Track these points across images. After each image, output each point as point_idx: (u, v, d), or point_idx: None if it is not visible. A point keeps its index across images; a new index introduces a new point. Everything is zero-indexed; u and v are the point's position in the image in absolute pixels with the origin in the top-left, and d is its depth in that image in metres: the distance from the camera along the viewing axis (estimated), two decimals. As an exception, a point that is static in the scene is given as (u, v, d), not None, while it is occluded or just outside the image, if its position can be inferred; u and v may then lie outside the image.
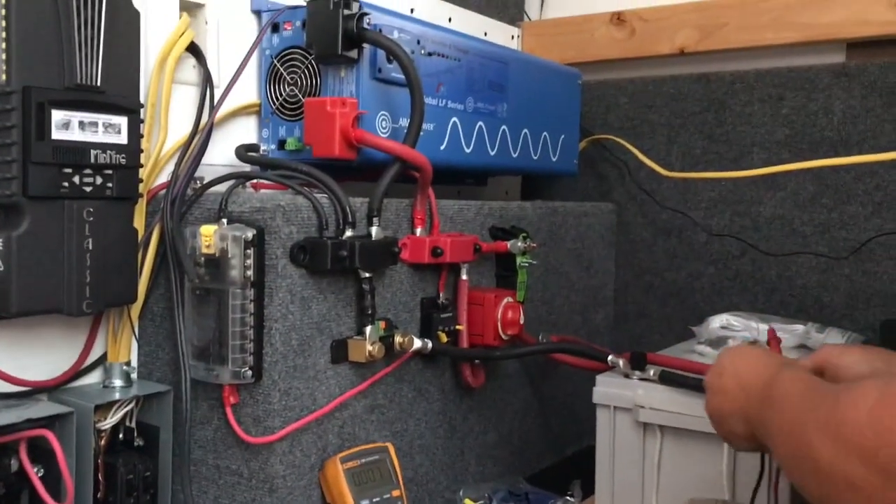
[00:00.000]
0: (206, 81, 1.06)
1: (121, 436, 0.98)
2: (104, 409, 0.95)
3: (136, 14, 0.92)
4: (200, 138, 1.02)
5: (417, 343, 1.07)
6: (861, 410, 0.55)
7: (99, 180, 0.88)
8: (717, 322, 1.36)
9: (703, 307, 1.56)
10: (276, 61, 1.12)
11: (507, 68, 1.33)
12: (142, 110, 0.94)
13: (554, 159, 1.47)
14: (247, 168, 1.08)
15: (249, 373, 0.92)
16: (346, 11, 1.02)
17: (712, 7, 1.57)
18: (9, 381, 0.90)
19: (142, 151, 0.93)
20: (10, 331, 0.90)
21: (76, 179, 0.86)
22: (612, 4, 1.68)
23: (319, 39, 1.04)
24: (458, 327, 1.16)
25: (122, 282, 0.93)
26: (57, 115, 0.84)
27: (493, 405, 1.29)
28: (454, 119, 1.21)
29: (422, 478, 1.15)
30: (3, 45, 0.81)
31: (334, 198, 0.98)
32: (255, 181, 1.05)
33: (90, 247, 0.88)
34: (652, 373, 1.14)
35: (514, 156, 1.36)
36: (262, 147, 1.12)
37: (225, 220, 0.93)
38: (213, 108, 1.05)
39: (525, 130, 1.38)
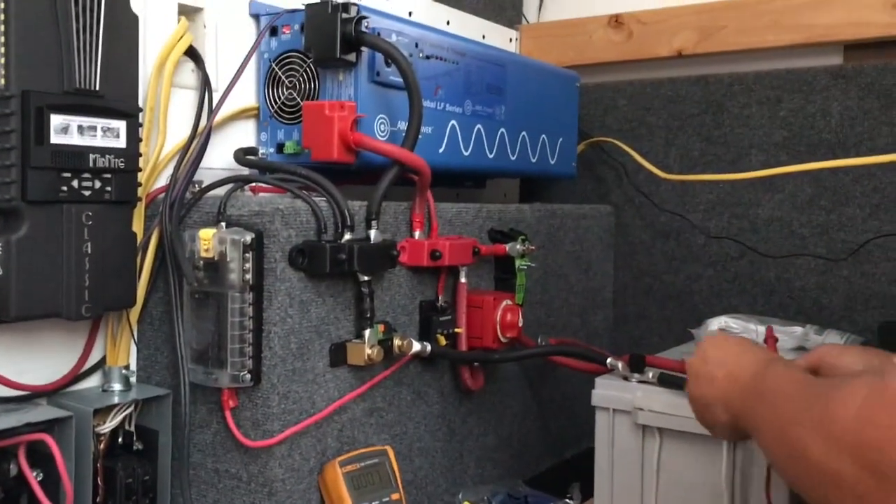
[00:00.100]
0: (205, 85, 1.06)
1: (120, 439, 0.98)
2: (103, 412, 0.95)
3: (135, 18, 0.92)
4: (199, 142, 1.02)
5: (416, 346, 1.07)
6: (850, 408, 0.55)
7: (98, 184, 0.88)
8: (716, 324, 1.36)
9: (701, 309, 1.56)
10: (274, 65, 1.12)
11: (505, 71, 1.33)
12: (140, 114, 0.94)
13: (552, 162, 1.47)
14: (245, 172, 1.08)
15: (248, 376, 0.92)
16: (345, 15, 1.02)
17: (710, 9, 1.57)
18: (8, 386, 0.90)
19: (140, 155, 0.94)
20: (9, 335, 0.90)
21: (75, 183, 0.86)
22: (610, 7, 1.68)
23: (318, 43, 1.04)
24: (456, 330, 1.16)
25: (121, 286, 0.93)
26: (56, 120, 0.84)
27: (493, 408, 1.29)
28: (452, 122, 1.22)
29: (421, 481, 1.15)
30: (2, 50, 0.81)
31: (333, 201, 0.98)
32: (253, 185, 1.05)
33: (89, 251, 0.88)
34: (651, 375, 1.14)
35: (513, 158, 1.36)
36: (261, 150, 1.12)
37: (224, 224, 0.93)
38: (212, 112, 1.05)
39: (523, 133, 1.38)
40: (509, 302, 1.19)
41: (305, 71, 1.09)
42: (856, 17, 1.43)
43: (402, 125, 1.10)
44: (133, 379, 1.01)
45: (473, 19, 1.59)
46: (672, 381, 1.12)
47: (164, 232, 0.96)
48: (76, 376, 0.97)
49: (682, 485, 1.11)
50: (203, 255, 0.92)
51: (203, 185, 1.02)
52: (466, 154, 1.25)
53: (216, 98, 1.06)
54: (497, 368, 1.29)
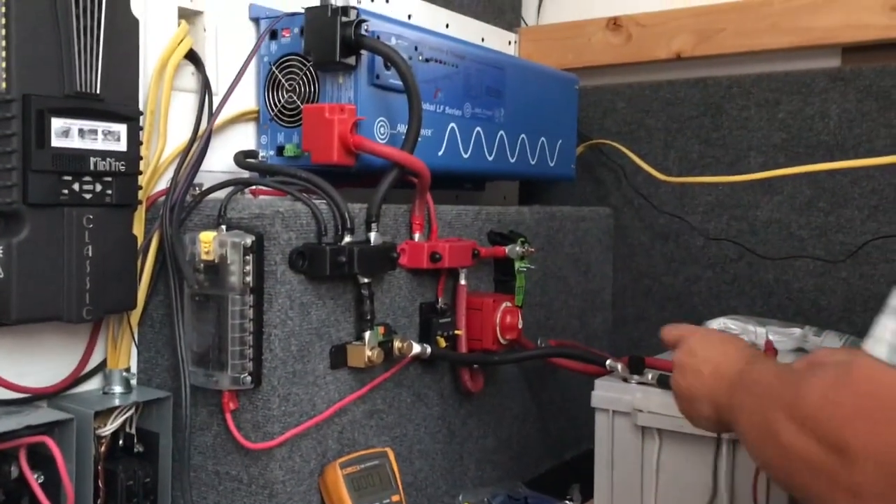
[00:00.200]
0: (205, 88, 1.06)
1: (121, 442, 0.98)
2: (104, 415, 0.95)
3: (135, 22, 0.92)
4: (199, 145, 1.03)
5: (416, 348, 1.08)
6: (817, 391, 0.57)
7: (98, 187, 0.89)
8: (715, 325, 1.36)
9: (700, 311, 1.56)
10: (274, 68, 1.12)
11: (504, 74, 1.33)
12: (141, 117, 0.94)
13: (551, 164, 1.48)
14: (245, 174, 1.09)
15: (249, 378, 0.93)
16: (344, 18, 1.02)
17: (709, 12, 1.57)
18: (9, 388, 0.90)
19: (141, 158, 0.94)
20: (10, 338, 0.91)
21: (76, 187, 0.87)
22: (609, 10, 1.69)
23: (318, 46, 1.04)
24: (456, 332, 1.16)
25: (122, 288, 0.93)
26: (56, 123, 0.84)
27: (492, 410, 1.30)
28: (452, 125, 1.22)
29: (421, 482, 1.15)
30: (3, 54, 0.82)
31: (333, 204, 0.99)
32: (253, 187, 1.05)
33: (90, 254, 0.88)
34: (650, 377, 1.14)
35: (512, 161, 1.37)
36: (261, 153, 1.13)
37: (224, 227, 0.94)
38: (212, 115, 1.05)
39: (522, 135, 1.39)
40: (509, 304, 1.19)
41: (305, 74, 1.09)
42: (854, 19, 1.43)
43: (402, 128, 1.10)
44: (134, 381, 1.01)
45: (472, 22, 1.59)
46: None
47: (165, 235, 0.96)
48: (77, 379, 0.97)
49: (681, 485, 1.12)
50: (203, 257, 0.92)
51: (203, 188, 1.02)
52: (466, 156, 1.25)
53: (216, 101, 1.07)
54: (497, 370, 1.29)
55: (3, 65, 0.82)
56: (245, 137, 1.14)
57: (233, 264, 0.91)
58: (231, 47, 1.11)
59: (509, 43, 1.72)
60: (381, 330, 1.03)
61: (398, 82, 1.05)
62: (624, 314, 1.67)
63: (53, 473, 0.87)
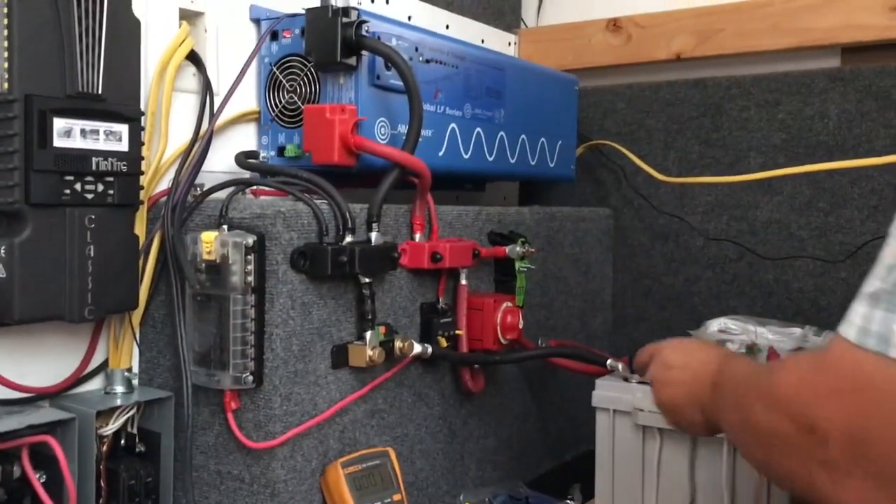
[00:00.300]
0: (206, 89, 1.06)
1: (122, 442, 0.98)
2: (106, 415, 0.95)
3: (137, 22, 0.93)
4: (200, 145, 1.03)
5: (417, 348, 1.08)
6: (793, 375, 0.61)
7: (100, 187, 0.89)
8: (715, 326, 1.36)
9: (700, 311, 1.56)
10: (275, 69, 1.12)
11: (504, 75, 1.34)
12: (142, 118, 0.94)
13: (551, 165, 1.48)
14: (247, 175, 1.09)
15: (250, 378, 0.93)
16: (345, 19, 1.02)
17: (708, 13, 1.57)
18: (11, 388, 0.90)
19: (143, 159, 0.94)
20: (12, 337, 0.91)
21: (78, 187, 0.87)
22: (609, 11, 1.69)
23: (318, 47, 1.04)
24: (457, 332, 1.16)
25: (124, 288, 0.93)
26: (58, 123, 0.84)
27: (493, 410, 1.30)
28: (452, 125, 1.22)
29: (422, 482, 1.16)
30: (5, 54, 0.82)
31: (334, 204, 0.99)
32: (255, 188, 1.05)
33: (92, 254, 0.89)
34: (651, 376, 1.14)
35: (512, 161, 1.37)
36: (262, 154, 1.13)
37: (225, 227, 0.94)
38: (213, 116, 1.06)
39: (523, 136, 1.39)
40: (509, 304, 1.19)
41: (306, 75, 1.10)
42: (853, 20, 1.44)
43: (403, 128, 1.11)
44: (135, 381, 1.02)
45: (472, 23, 1.59)
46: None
47: (166, 235, 0.96)
48: (79, 379, 0.97)
49: (682, 485, 1.12)
50: (205, 257, 0.92)
51: (205, 189, 1.02)
52: (466, 157, 1.26)
53: (217, 102, 1.07)
54: (497, 370, 1.29)
55: (6, 65, 0.82)
56: (246, 138, 1.14)
57: (234, 264, 0.91)
58: (232, 48, 1.12)
59: (509, 44, 1.73)
60: (382, 330, 1.04)
61: (399, 83, 1.06)
62: (624, 314, 1.67)
63: (55, 473, 0.87)
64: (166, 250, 0.97)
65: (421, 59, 1.16)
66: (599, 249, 1.60)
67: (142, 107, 0.95)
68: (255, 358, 0.93)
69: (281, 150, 1.12)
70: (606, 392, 1.17)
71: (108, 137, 0.89)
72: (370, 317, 1.01)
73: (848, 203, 1.45)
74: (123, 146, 0.91)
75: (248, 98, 1.13)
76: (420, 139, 1.06)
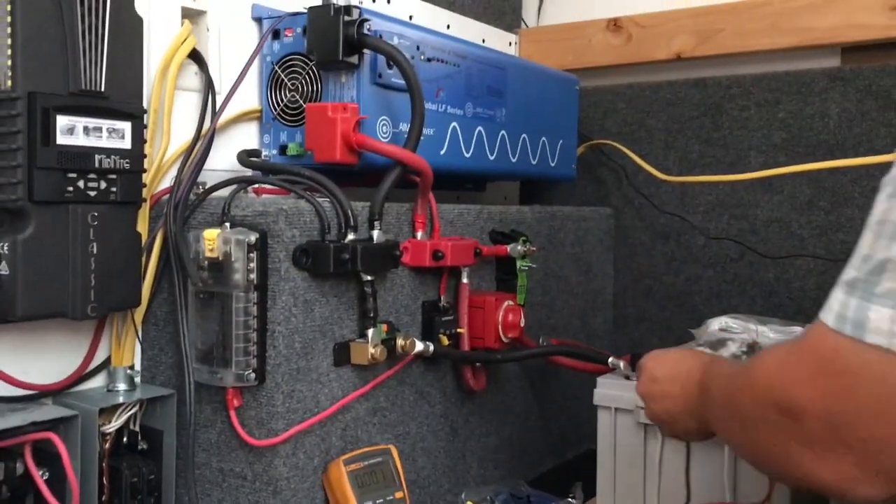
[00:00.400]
0: (208, 88, 1.07)
1: (125, 439, 0.99)
2: (108, 412, 0.95)
3: (139, 21, 0.93)
4: (203, 144, 1.03)
5: (419, 346, 1.08)
6: (773, 360, 0.63)
7: (103, 185, 0.89)
8: (716, 324, 1.36)
9: (701, 310, 1.56)
10: (277, 67, 1.12)
11: (505, 74, 1.34)
12: (145, 116, 0.94)
13: (552, 164, 1.48)
14: (248, 173, 1.09)
15: (253, 375, 0.93)
16: (347, 18, 1.03)
17: (708, 13, 1.58)
18: (14, 385, 0.90)
19: (145, 156, 0.94)
20: (15, 334, 0.91)
21: (81, 184, 0.87)
22: (609, 11, 1.69)
23: (320, 45, 1.05)
24: (459, 330, 1.17)
25: (126, 286, 0.94)
26: (62, 121, 0.85)
27: (495, 408, 1.30)
28: (454, 124, 1.22)
29: (424, 480, 1.16)
30: (9, 52, 0.82)
31: (336, 202, 0.99)
32: (257, 186, 1.05)
33: (94, 251, 0.89)
34: (652, 374, 1.14)
35: (513, 161, 1.37)
36: (264, 152, 1.13)
37: (228, 224, 0.94)
38: (215, 114, 1.06)
39: (524, 135, 1.39)
40: (511, 302, 1.20)
41: (308, 73, 1.10)
42: (853, 19, 1.44)
43: (404, 127, 1.11)
44: (138, 379, 1.02)
45: (473, 23, 1.59)
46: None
47: (169, 232, 0.96)
48: (81, 376, 0.97)
49: (683, 483, 1.12)
50: (208, 255, 0.92)
51: (207, 187, 1.02)
52: (467, 156, 1.26)
53: (219, 100, 1.07)
54: (499, 369, 1.30)
55: (9, 63, 0.82)
56: (248, 136, 1.14)
57: (237, 261, 0.91)
58: (234, 47, 1.12)
59: (510, 44, 1.73)
60: (384, 328, 1.04)
61: (400, 81, 1.06)
62: (625, 314, 1.67)
63: (58, 470, 0.88)
64: (169, 248, 0.97)
65: (422, 57, 1.16)
66: (600, 249, 1.60)
67: (144, 105, 0.95)
68: (258, 355, 0.93)
69: (283, 149, 1.12)
70: (608, 390, 1.17)
71: (111, 135, 0.89)
72: (372, 315, 1.02)
73: (848, 202, 1.45)
74: (126, 144, 0.91)
75: (249, 96, 1.13)
76: (421, 138, 1.07)
